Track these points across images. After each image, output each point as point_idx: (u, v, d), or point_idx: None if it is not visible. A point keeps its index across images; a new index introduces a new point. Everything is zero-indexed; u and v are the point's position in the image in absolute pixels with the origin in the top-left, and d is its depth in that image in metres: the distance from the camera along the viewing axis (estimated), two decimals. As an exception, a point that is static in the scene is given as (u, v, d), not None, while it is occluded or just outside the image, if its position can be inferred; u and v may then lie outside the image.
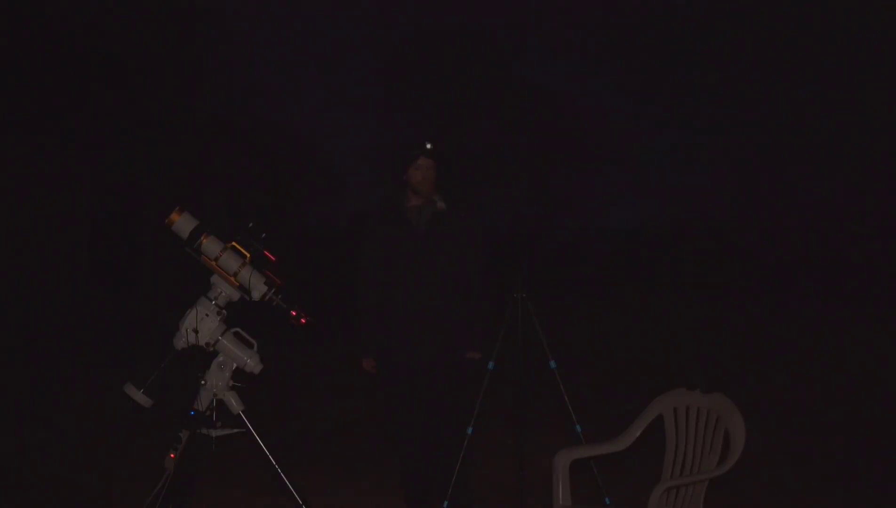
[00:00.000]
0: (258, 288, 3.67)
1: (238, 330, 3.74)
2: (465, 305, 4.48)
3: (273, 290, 3.68)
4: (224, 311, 3.72)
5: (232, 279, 3.68)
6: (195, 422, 3.66)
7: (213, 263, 3.69)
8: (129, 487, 5.22)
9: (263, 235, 3.75)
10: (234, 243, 3.71)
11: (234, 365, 3.70)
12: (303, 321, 3.68)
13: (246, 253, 3.71)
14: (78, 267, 17.27)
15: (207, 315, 3.66)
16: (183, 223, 3.70)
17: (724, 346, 12.11)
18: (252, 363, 3.70)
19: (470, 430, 4.33)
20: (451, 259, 4.46)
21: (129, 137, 18.76)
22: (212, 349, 3.68)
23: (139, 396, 3.61)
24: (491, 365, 4.39)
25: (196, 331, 3.63)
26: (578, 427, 4.37)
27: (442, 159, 4.48)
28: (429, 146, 4.47)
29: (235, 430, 3.70)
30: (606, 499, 4.27)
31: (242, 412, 3.70)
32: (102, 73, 18.60)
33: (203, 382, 3.69)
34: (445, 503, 4.35)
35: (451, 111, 28.31)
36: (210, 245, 3.70)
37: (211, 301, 3.69)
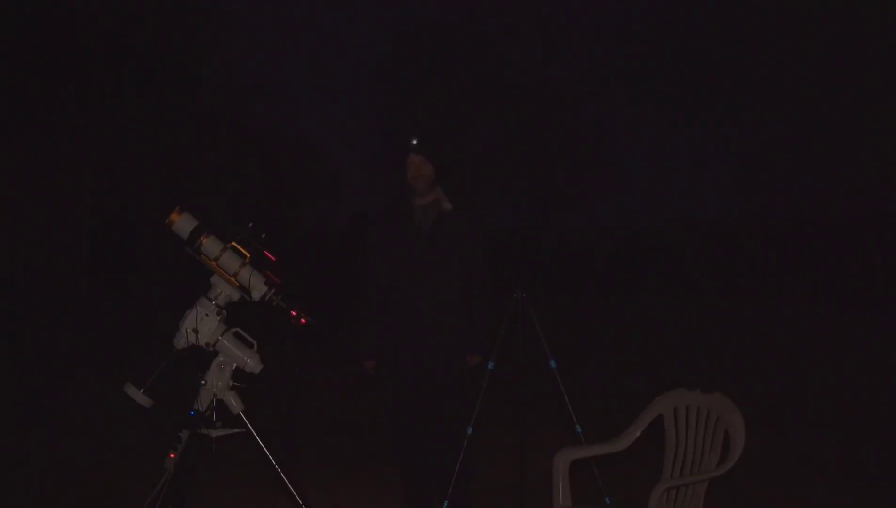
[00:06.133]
0: (258, 288, 3.67)
1: (238, 330, 3.74)
2: (468, 306, 4.48)
3: (273, 290, 3.67)
4: (224, 311, 3.72)
5: (232, 279, 3.67)
6: (195, 422, 3.65)
7: (213, 263, 3.69)
8: (129, 487, 5.23)
9: (263, 235, 3.75)
10: (234, 243, 3.71)
11: (234, 365, 3.70)
12: (303, 321, 3.67)
13: (246, 253, 3.71)
14: (78, 267, 17.27)
15: (207, 315, 3.66)
16: (183, 223, 3.69)
17: (724, 346, 12.12)
18: (252, 363, 3.70)
19: (470, 430, 4.33)
20: (456, 259, 4.45)
21: (129, 137, 18.76)
22: (212, 349, 3.68)
23: (139, 396, 3.61)
24: (491, 365, 4.39)
25: (196, 331, 3.62)
26: (578, 428, 4.37)
27: (433, 153, 4.46)
28: (414, 142, 4.45)
29: (235, 430, 3.70)
30: (606, 499, 4.27)
31: (242, 412, 3.70)
32: (103, 72, 18.60)
33: (203, 382, 3.69)
34: (445, 503, 4.35)
35: (451, 111, 28.30)
36: (210, 245, 3.69)
37: (211, 301, 3.69)
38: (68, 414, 7.45)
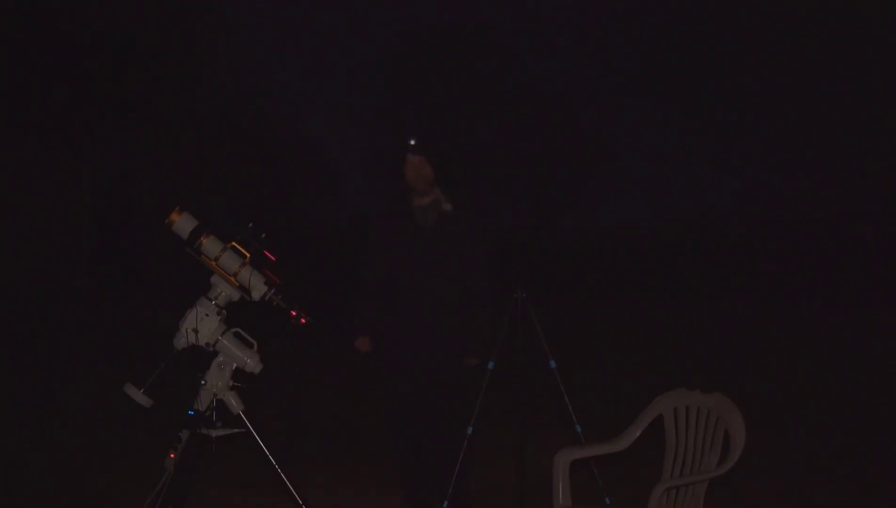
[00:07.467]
0: (258, 288, 3.67)
1: (238, 330, 3.73)
2: (470, 308, 4.47)
3: (273, 290, 3.67)
4: (224, 311, 3.72)
5: (232, 279, 3.67)
6: (195, 422, 3.65)
7: (213, 263, 3.69)
8: (129, 487, 5.22)
9: (263, 235, 3.74)
10: (234, 243, 3.71)
11: (234, 365, 3.69)
12: (303, 321, 3.67)
13: (246, 253, 3.71)
14: (78, 267, 17.27)
15: (207, 315, 3.65)
16: (183, 223, 3.69)
17: (724, 346, 12.12)
18: (252, 363, 3.70)
19: (470, 430, 4.33)
20: (456, 260, 4.45)
21: (129, 136, 18.76)
22: (212, 349, 3.68)
23: (139, 396, 3.60)
24: (491, 364, 4.39)
25: (196, 331, 3.62)
26: (578, 428, 4.36)
27: (432, 153, 4.45)
28: (412, 142, 4.44)
29: (235, 430, 3.70)
30: (606, 499, 4.27)
31: (242, 412, 3.69)
32: (103, 72, 18.60)
33: (203, 382, 3.69)
34: (445, 503, 4.34)
35: (451, 111, 28.29)
36: (210, 245, 3.69)
37: (211, 301, 3.69)
38: (68, 413, 7.45)
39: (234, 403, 3.70)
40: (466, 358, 4.50)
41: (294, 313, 3.67)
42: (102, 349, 10.65)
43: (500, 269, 4.55)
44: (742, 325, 14.90)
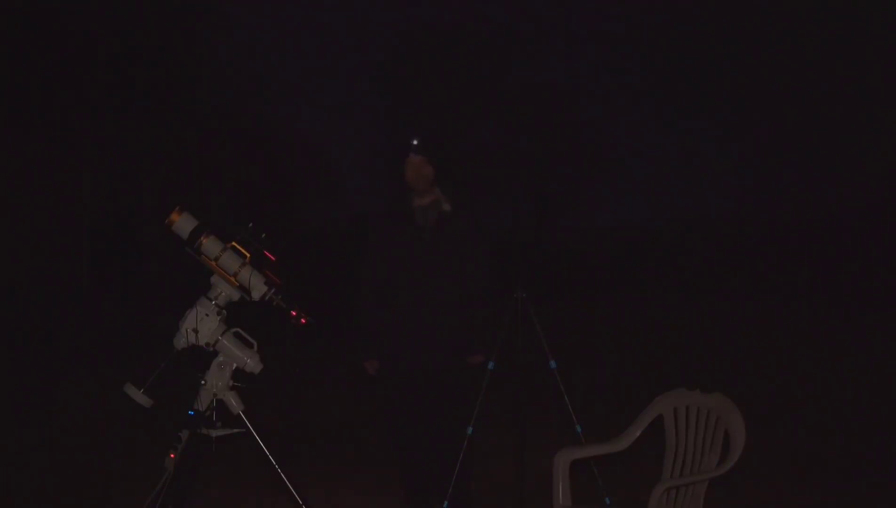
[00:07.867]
0: (258, 288, 3.67)
1: (238, 330, 3.73)
2: (470, 308, 4.47)
3: (273, 290, 3.67)
4: (224, 311, 3.72)
5: (232, 279, 3.67)
6: (195, 422, 3.65)
7: (213, 263, 3.69)
8: (129, 487, 5.23)
9: (263, 235, 3.74)
10: (234, 243, 3.71)
11: (234, 365, 3.69)
12: (303, 321, 3.67)
13: (246, 253, 3.71)
14: (78, 267, 17.26)
15: (207, 315, 3.65)
16: (183, 223, 3.69)
17: (724, 346, 12.12)
18: (252, 363, 3.70)
19: (470, 430, 4.33)
20: (456, 260, 4.45)
21: (129, 136, 18.76)
22: (212, 349, 3.68)
23: (139, 396, 3.61)
24: (491, 364, 4.39)
25: (196, 331, 3.62)
26: (578, 428, 4.36)
27: (433, 154, 4.44)
28: (415, 142, 4.44)
29: (235, 430, 3.70)
30: (606, 499, 4.27)
31: (242, 412, 3.69)
32: (103, 72, 18.60)
33: (203, 382, 3.69)
34: (445, 503, 4.35)
35: (451, 111, 28.29)
36: (210, 245, 3.69)
37: (211, 301, 3.69)
38: (68, 413, 7.45)
39: (234, 403, 3.70)
40: (469, 357, 4.50)
41: (294, 313, 3.67)
42: (103, 349, 10.65)
43: (500, 269, 4.54)
44: (742, 325, 14.89)
